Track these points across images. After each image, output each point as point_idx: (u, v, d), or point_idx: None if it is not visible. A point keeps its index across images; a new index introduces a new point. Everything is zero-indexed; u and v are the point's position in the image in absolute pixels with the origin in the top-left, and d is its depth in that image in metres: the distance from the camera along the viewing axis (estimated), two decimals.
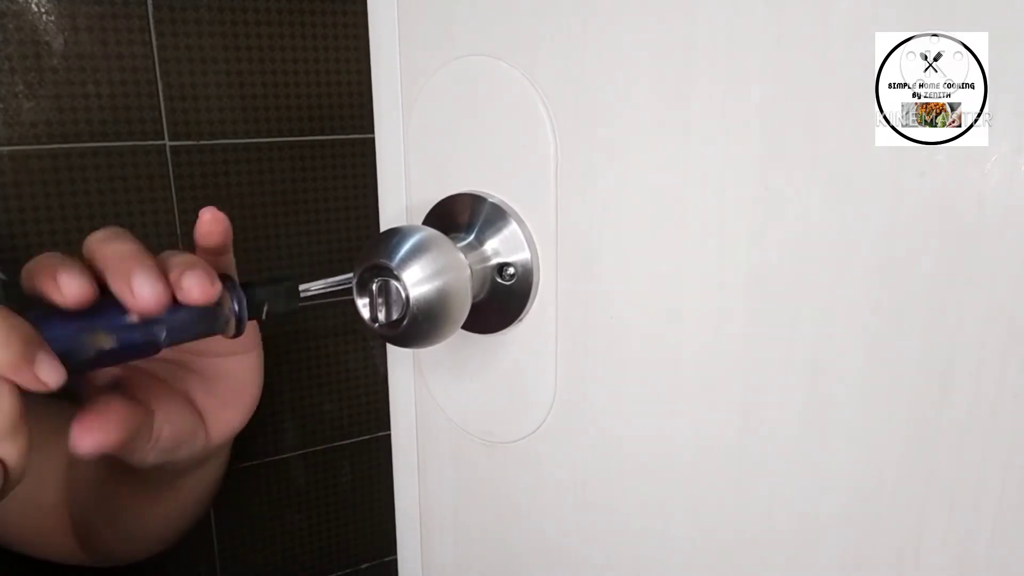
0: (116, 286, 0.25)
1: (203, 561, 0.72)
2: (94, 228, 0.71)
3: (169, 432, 0.32)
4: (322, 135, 0.68)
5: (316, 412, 0.75)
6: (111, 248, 0.26)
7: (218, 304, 0.28)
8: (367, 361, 0.76)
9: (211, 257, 0.30)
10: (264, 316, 0.29)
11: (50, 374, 0.23)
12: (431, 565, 0.37)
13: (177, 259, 0.27)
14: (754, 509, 0.24)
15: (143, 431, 0.31)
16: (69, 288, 0.24)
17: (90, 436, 0.26)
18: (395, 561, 0.85)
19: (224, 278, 0.28)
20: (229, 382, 0.36)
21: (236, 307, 0.28)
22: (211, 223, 0.29)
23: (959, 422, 0.20)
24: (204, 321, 0.28)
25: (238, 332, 0.29)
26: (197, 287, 0.26)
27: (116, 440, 0.27)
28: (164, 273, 0.26)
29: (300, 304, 0.30)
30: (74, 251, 0.28)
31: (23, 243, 0.59)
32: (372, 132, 0.72)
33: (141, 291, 0.25)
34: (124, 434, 0.28)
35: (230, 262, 0.32)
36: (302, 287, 0.30)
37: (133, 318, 0.26)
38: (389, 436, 0.91)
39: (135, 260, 0.26)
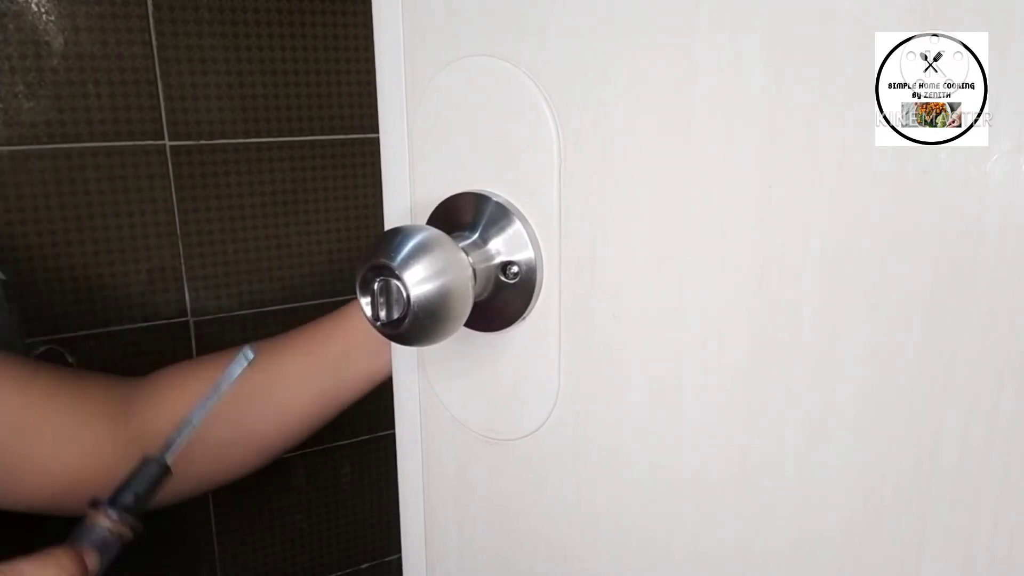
0: None
1: (203, 561, 0.72)
2: (94, 228, 0.71)
3: None
4: (322, 135, 0.68)
5: None
6: None
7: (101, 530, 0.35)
8: None
9: None
10: (143, 502, 0.36)
11: None
12: (435, 562, 0.37)
13: None
14: (757, 511, 0.25)
15: None
16: None
17: None
18: (395, 561, 0.85)
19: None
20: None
21: (113, 520, 0.35)
22: None
23: (959, 421, 0.20)
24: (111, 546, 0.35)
25: (133, 533, 0.35)
26: None
27: None
28: None
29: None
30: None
31: (23, 243, 0.59)
32: (372, 132, 0.72)
33: None
34: None
35: None
36: (160, 456, 0.37)
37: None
38: (389, 436, 0.91)
39: None
